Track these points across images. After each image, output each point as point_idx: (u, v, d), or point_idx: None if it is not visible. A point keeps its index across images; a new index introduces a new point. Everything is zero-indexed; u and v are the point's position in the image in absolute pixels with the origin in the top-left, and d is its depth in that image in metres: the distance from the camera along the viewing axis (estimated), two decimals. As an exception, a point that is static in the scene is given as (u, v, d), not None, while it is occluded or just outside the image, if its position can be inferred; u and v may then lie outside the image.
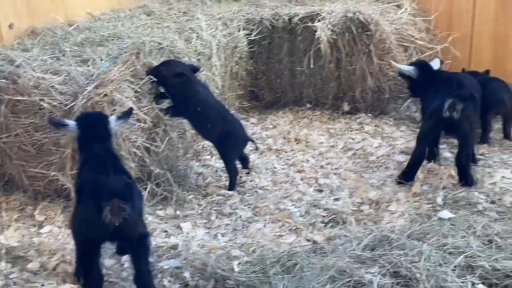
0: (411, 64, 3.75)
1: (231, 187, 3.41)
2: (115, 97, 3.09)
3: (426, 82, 3.56)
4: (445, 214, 2.94)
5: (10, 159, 3.18)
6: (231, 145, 3.44)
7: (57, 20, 3.81)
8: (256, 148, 3.77)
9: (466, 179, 3.30)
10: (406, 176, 3.40)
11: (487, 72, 4.25)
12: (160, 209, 3.23)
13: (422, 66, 3.66)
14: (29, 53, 3.38)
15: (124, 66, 3.28)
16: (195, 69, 3.45)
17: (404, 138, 4.06)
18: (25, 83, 3.05)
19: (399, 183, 3.39)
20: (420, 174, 3.48)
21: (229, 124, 3.41)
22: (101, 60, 3.34)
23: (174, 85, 3.32)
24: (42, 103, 3.01)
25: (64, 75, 3.14)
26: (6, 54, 3.31)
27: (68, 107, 3.00)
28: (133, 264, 2.40)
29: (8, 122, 3.09)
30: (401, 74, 3.71)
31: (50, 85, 3.05)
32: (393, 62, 3.87)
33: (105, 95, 3.06)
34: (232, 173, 3.43)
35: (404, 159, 3.69)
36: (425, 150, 3.45)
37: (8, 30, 3.64)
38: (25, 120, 3.07)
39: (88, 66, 3.25)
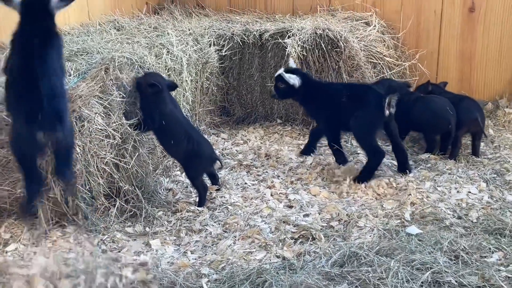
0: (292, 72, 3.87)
1: (200, 203, 3.40)
2: (83, 112, 3.07)
3: (308, 91, 3.82)
4: (413, 229, 2.99)
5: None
6: (196, 163, 3.43)
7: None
8: (221, 167, 3.76)
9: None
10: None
11: (445, 84, 4.47)
12: (129, 226, 3.21)
13: (303, 75, 3.88)
14: (-5, 68, 3.33)
15: (93, 81, 3.27)
16: (173, 86, 3.52)
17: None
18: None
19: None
20: (389, 190, 3.53)
21: (194, 143, 3.40)
22: (70, 75, 3.32)
23: (146, 95, 3.36)
24: (7, 118, 2.96)
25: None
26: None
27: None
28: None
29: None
30: (283, 81, 3.83)
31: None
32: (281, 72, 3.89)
33: (73, 110, 3.03)
34: (200, 189, 3.42)
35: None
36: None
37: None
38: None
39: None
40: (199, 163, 3.45)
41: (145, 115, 3.39)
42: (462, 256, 2.61)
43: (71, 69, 3.37)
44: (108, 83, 3.28)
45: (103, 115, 3.18)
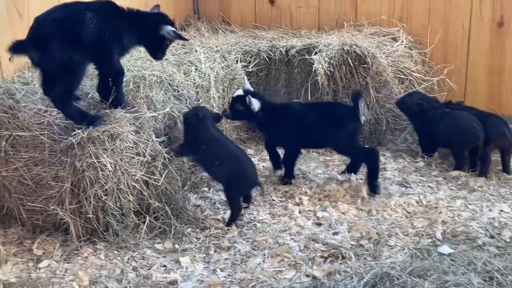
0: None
1: (230, 223, 3.40)
2: (115, 130, 3.11)
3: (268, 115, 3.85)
4: (445, 249, 2.95)
5: (9, 192, 3.17)
6: (239, 185, 3.44)
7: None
8: (262, 194, 3.72)
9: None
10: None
11: (461, 103, 4.39)
12: (159, 243, 3.22)
13: (263, 99, 3.88)
14: (29, 86, 3.41)
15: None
16: (218, 117, 3.65)
17: (400, 170, 4.08)
18: (25, 117, 3.07)
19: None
20: (419, 208, 3.51)
21: (240, 164, 3.44)
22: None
23: (194, 125, 3.48)
24: (42, 137, 3.02)
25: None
26: (7, 87, 3.33)
27: (68, 141, 3.01)
28: None
29: (8, 156, 3.09)
30: (243, 103, 3.79)
31: (51, 120, 3.06)
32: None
33: (105, 130, 3.07)
34: (234, 209, 3.42)
35: (399, 190, 3.74)
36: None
37: (8, 63, 3.65)
38: (25, 154, 3.07)
39: (88, 99, 3.28)
40: (241, 186, 3.47)
41: (189, 142, 3.47)
42: (496, 277, 2.57)
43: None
44: (139, 101, 3.32)
45: (133, 133, 3.22)
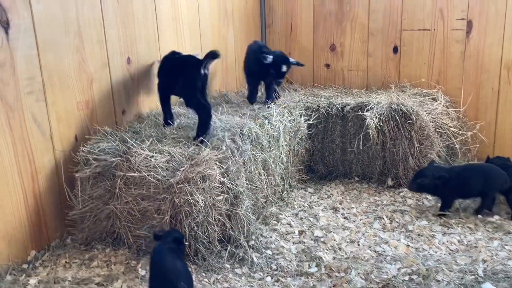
0: None
1: None
2: (207, 173, 3.13)
3: None
4: (488, 286, 2.78)
5: (120, 221, 3.23)
6: None
7: (159, 107, 3.93)
8: None
9: None
10: None
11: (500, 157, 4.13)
12: (238, 268, 3.18)
13: None
14: (138, 135, 3.50)
15: (212, 147, 3.35)
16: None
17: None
18: (136, 161, 3.13)
19: None
20: (460, 246, 3.34)
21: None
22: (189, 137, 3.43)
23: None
24: (149, 177, 3.07)
25: (167, 154, 3.22)
26: (121, 135, 3.43)
27: (168, 181, 3.06)
28: None
29: (121, 192, 3.16)
30: None
31: (156, 163, 3.12)
32: None
33: (199, 172, 3.10)
34: None
35: (441, 230, 3.58)
36: None
37: (121, 115, 3.78)
38: (134, 191, 3.13)
39: (187, 147, 3.32)
40: None
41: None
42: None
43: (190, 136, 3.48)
44: (225, 149, 3.35)
45: (219, 176, 3.23)
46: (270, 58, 4.17)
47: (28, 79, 3.02)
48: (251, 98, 4.46)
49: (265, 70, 4.24)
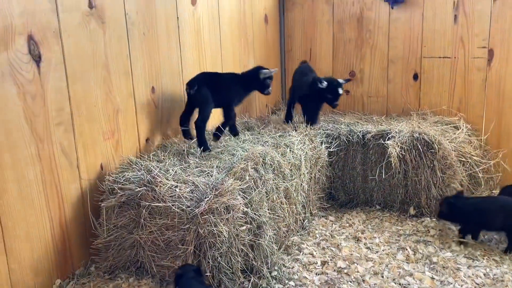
0: None
1: None
2: (230, 203, 3.14)
3: None
4: (517, 323, 2.73)
5: (143, 250, 3.24)
6: None
7: (181, 138, 3.98)
8: None
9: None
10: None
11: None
12: (261, 299, 3.17)
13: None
14: (162, 164, 3.53)
15: (234, 177, 3.36)
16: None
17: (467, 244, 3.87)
18: (161, 191, 3.16)
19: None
20: (486, 280, 3.28)
21: None
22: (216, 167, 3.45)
23: None
24: (174, 207, 3.09)
25: (191, 184, 3.24)
26: (146, 164, 3.47)
27: (193, 211, 3.07)
28: None
29: (146, 222, 3.18)
30: None
31: (181, 193, 3.14)
32: None
33: (223, 202, 3.12)
34: None
35: (466, 262, 3.53)
36: None
37: (145, 144, 3.83)
38: (159, 220, 3.15)
39: (210, 176, 3.35)
40: None
41: None
42: None
43: (215, 166, 3.50)
44: (248, 178, 3.36)
45: (243, 206, 3.23)
46: (325, 83, 4.37)
47: (57, 110, 3.09)
48: (288, 117, 4.80)
49: (318, 94, 4.43)
